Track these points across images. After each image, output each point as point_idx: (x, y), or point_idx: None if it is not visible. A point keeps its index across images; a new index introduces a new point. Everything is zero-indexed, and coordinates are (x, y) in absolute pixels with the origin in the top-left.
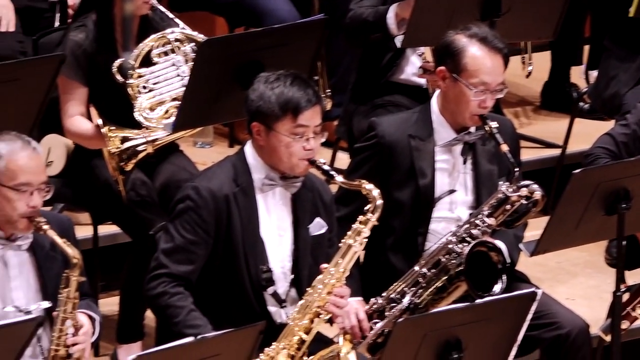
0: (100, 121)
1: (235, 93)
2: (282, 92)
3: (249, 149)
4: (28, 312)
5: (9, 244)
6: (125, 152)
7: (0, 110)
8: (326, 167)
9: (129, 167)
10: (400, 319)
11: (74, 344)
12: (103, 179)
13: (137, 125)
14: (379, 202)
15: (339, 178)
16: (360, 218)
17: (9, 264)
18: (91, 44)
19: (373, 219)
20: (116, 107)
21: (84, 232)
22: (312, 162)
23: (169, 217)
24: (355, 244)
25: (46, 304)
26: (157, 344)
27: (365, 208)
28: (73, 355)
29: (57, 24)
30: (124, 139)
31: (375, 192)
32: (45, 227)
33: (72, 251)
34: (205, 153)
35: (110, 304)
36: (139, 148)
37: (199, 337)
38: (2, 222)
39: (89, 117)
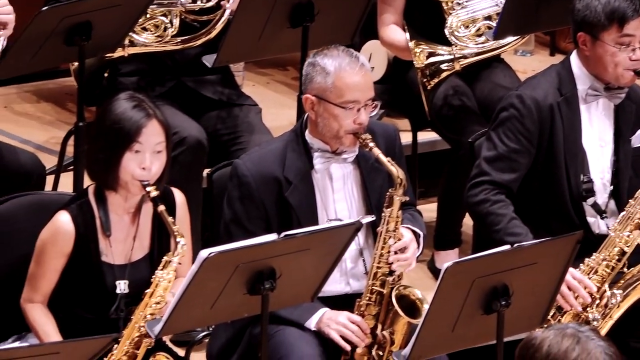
0: (407, 34)
1: (560, 0)
2: (608, 1)
3: (574, 59)
4: None
5: (334, 157)
6: (428, 67)
7: (323, 20)
8: None
9: (431, 84)
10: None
11: (397, 261)
12: (417, 91)
13: (447, 43)
14: None
15: None
16: None
17: (333, 177)
18: None
19: None
20: (428, 21)
21: (403, 138)
22: (638, 73)
23: (489, 126)
24: None
25: (369, 218)
26: (474, 252)
27: None
28: (395, 272)
29: None
30: (430, 55)
31: None
32: (371, 144)
33: (396, 170)
34: (526, 61)
35: (428, 210)
36: (443, 66)
37: (515, 245)
38: (328, 138)
39: (405, 28)
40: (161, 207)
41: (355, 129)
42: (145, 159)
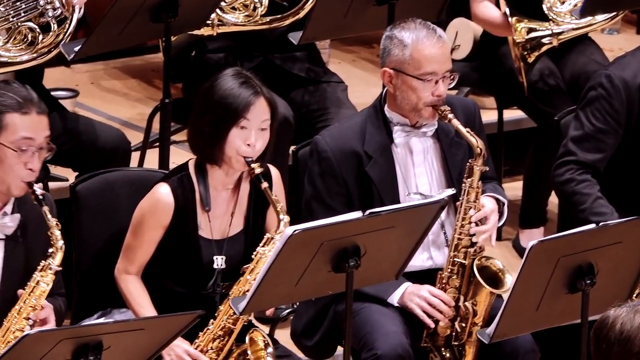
0: (507, 10)
1: None
2: None
3: None
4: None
5: (414, 130)
6: (529, 42)
7: None
8: None
9: (532, 58)
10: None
11: (478, 232)
12: (508, 67)
13: (545, 18)
14: None
15: None
16: None
17: (413, 151)
18: None
19: None
20: None
21: (488, 116)
22: None
23: (577, 104)
24: None
25: (450, 191)
26: (559, 230)
27: None
28: (476, 244)
29: None
30: (530, 30)
31: None
32: (450, 115)
33: (475, 140)
34: (612, 40)
35: (513, 188)
36: (544, 40)
37: (600, 224)
38: (406, 111)
39: (497, 4)
40: (265, 185)
41: (433, 101)
42: (251, 136)
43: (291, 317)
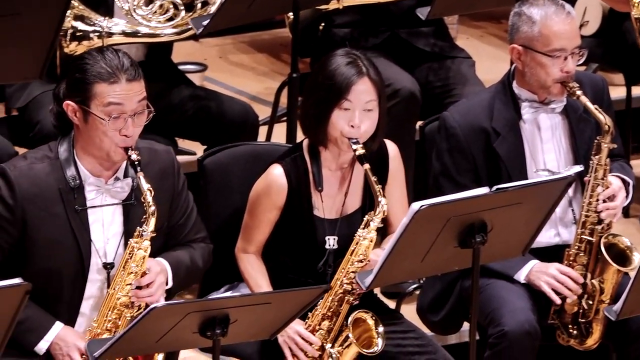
0: None
1: None
2: None
3: None
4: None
5: (542, 107)
6: None
7: None
8: None
9: None
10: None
11: (605, 209)
12: (631, 42)
13: None
14: None
15: None
16: None
17: (541, 127)
18: None
19: None
20: None
21: (617, 93)
22: None
23: None
24: None
25: (578, 168)
26: None
27: None
28: (604, 221)
29: None
30: None
31: None
32: (579, 92)
33: (603, 118)
34: None
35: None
36: None
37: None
38: (535, 87)
39: None
40: (366, 166)
41: (562, 77)
42: (355, 117)
43: (417, 293)
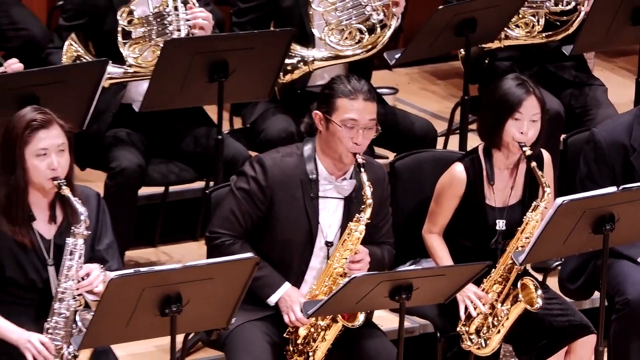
0: None
1: None
2: None
3: None
4: None
5: None
6: None
7: None
8: None
9: None
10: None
11: None
12: None
13: None
14: None
15: None
16: None
17: None
18: None
19: None
20: None
21: None
22: None
23: None
24: None
25: None
26: None
27: None
28: None
29: None
30: None
31: None
32: None
33: None
34: None
35: None
36: None
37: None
38: None
39: None
40: (533, 163)
41: None
42: (524, 126)
43: (559, 268)
